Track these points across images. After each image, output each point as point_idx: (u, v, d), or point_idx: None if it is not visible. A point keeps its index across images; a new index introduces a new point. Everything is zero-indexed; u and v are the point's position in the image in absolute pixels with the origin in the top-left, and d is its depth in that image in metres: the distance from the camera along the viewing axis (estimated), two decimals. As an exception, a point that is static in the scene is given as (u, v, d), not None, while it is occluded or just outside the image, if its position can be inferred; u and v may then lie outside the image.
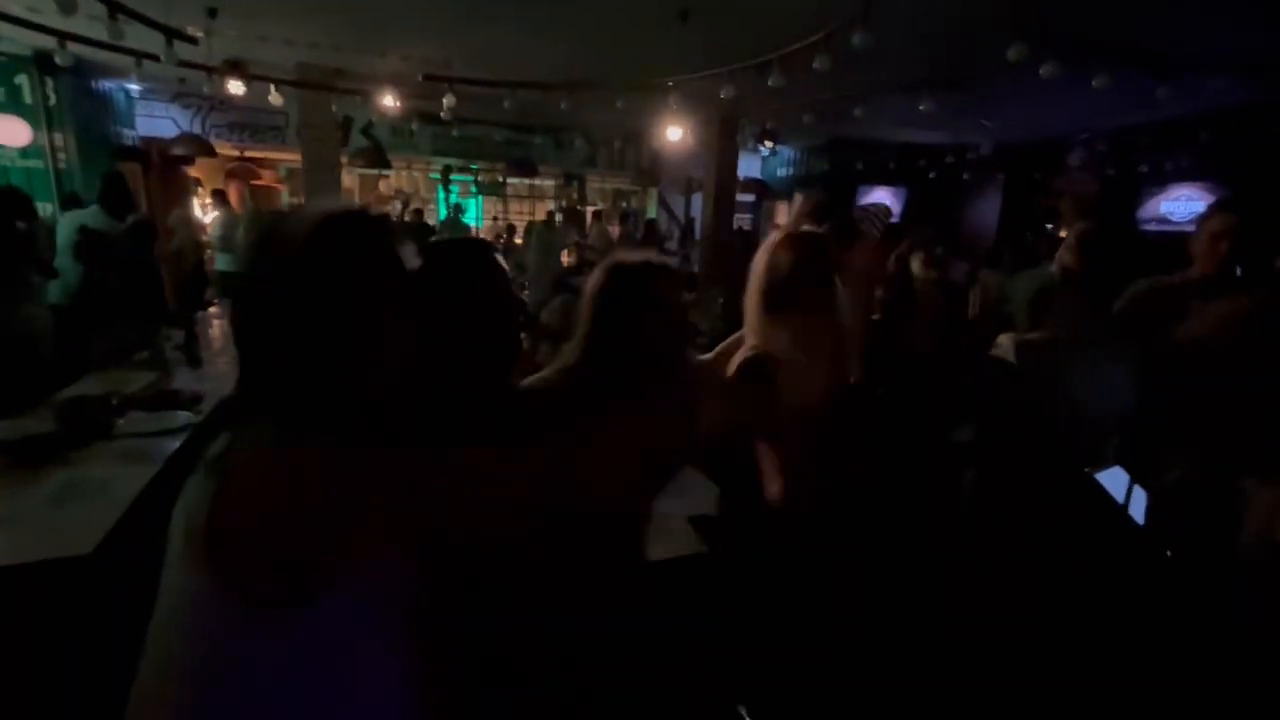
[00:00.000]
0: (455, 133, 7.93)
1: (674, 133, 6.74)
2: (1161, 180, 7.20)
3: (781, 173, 10.17)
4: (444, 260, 1.09)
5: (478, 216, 10.12)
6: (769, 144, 7.51)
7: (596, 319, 1.30)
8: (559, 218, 8.39)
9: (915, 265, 2.33)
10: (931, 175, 8.40)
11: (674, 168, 9.57)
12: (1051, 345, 1.76)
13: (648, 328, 1.29)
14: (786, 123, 6.76)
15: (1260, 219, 2.02)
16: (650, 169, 9.89)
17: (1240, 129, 5.74)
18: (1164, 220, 7.33)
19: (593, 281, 1.33)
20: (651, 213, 10.37)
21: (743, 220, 9.89)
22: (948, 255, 2.25)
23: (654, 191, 10.52)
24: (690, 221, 9.93)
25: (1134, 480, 1.69)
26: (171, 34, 3.84)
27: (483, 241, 1.27)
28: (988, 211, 9.22)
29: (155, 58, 4.12)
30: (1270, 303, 1.87)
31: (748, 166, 9.97)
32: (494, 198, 10.09)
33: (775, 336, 1.52)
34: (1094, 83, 3.94)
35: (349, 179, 8.49)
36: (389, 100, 5.34)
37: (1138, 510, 1.69)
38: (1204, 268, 2.00)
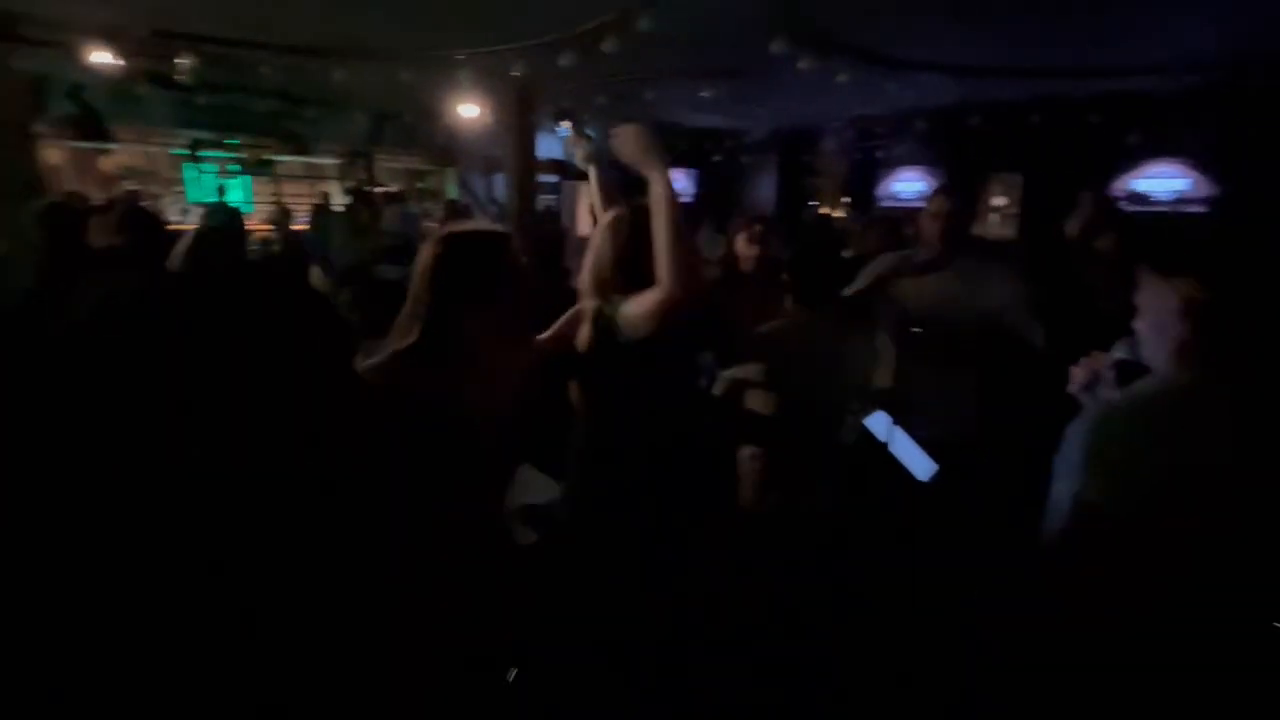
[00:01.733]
0: (202, 100, 6.73)
1: (468, 109, 6.44)
2: (892, 164, 8.60)
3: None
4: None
5: (248, 199, 8.75)
6: (567, 124, 7.52)
7: (437, 293, 1.22)
8: (344, 199, 7.60)
9: (739, 243, 2.50)
10: (717, 158, 9.09)
11: (472, 146, 9.17)
12: (788, 324, 2.00)
13: (493, 299, 1.24)
14: (582, 103, 6.82)
15: (966, 198, 2.47)
16: (446, 147, 9.36)
17: (948, 121, 7.04)
18: (895, 198, 8.79)
19: (427, 255, 1.25)
20: (452, 194, 9.85)
21: (548, 201, 9.84)
22: (767, 231, 2.41)
23: (452, 171, 9.99)
24: (497, 204, 9.63)
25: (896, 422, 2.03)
26: None
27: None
28: (767, 191, 10.25)
29: None
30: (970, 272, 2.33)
31: (549, 147, 9.90)
32: (263, 178, 8.77)
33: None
34: (839, 78, 4.55)
35: (56, 154, 6.80)
36: (101, 57, 4.35)
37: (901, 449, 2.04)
38: (927, 242, 2.40)
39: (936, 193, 2.41)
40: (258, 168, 8.54)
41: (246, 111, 7.21)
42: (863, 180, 8.96)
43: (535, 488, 1.95)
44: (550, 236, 8.46)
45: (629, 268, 1.47)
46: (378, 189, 8.79)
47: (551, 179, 10.00)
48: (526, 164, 7.56)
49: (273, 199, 8.39)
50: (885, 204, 8.83)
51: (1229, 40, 4.50)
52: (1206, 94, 5.12)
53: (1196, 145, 6.37)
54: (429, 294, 1.23)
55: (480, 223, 1.40)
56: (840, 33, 4.34)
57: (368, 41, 4.65)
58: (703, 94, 5.36)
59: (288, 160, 8.64)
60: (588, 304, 1.55)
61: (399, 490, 0.99)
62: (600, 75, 5.71)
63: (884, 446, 1.97)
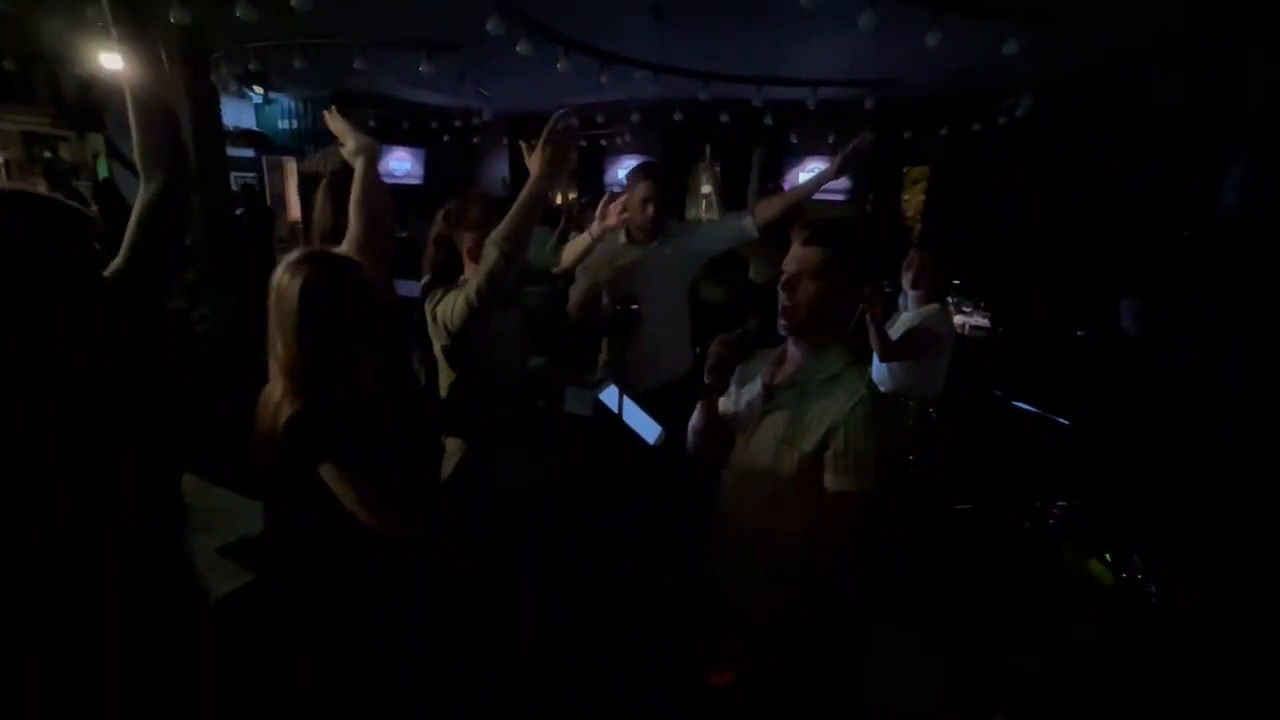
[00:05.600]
0: None
1: (111, 60, 5.13)
2: (616, 151, 9.19)
3: (284, 125, 8.94)
4: None
5: None
6: (259, 89, 6.47)
7: (308, 323, 1.17)
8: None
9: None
10: (445, 138, 8.70)
11: (125, 107, 7.31)
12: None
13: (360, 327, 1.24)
14: (276, 66, 5.91)
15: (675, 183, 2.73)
16: (84, 106, 7.32)
17: (658, 115, 7.73)
18: (622, 184, 9.42)
19: (288, 280, 1.18)
20: (102, 168, 7.78)
21: (244, 179, 8.38)
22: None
23: (98, 139, 7.86)
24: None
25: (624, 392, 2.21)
26: None
27: None
28: (498, 174, 10.15)
29: None
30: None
31: (239, 115, 8.42)
32: None
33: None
34: (558, 65, 4.68)
35: None
36: None
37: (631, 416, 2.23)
38: (633, 221, 2.42)
39: (641, 175, 2.44)
40: None
41: None
42: (592, 166, 9.41)
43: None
44: (255, 219, 7.26)
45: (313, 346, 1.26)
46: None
47: (245, 153, 8.54)
48: (211, 134, 6.33)
49: None
50: (614, 189, 9.41)
51: (854, 68, 5.76)
52: (841, 106, 6.48)
53: (836, 146, 8.06)
54: (298, 325, 1.16)
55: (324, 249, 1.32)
56: (551, 20, 4.45)
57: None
58: (421, 68, 5.04)
59: None
60: None
61: None
62: (297, 34, 5.03)
63: (617, 417, 2.12)
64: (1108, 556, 2.35)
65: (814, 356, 1.33)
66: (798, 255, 1.30)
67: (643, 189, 2.39)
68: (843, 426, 1.22)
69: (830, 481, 1.23)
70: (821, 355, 1.32)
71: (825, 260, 1.27)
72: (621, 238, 2.48)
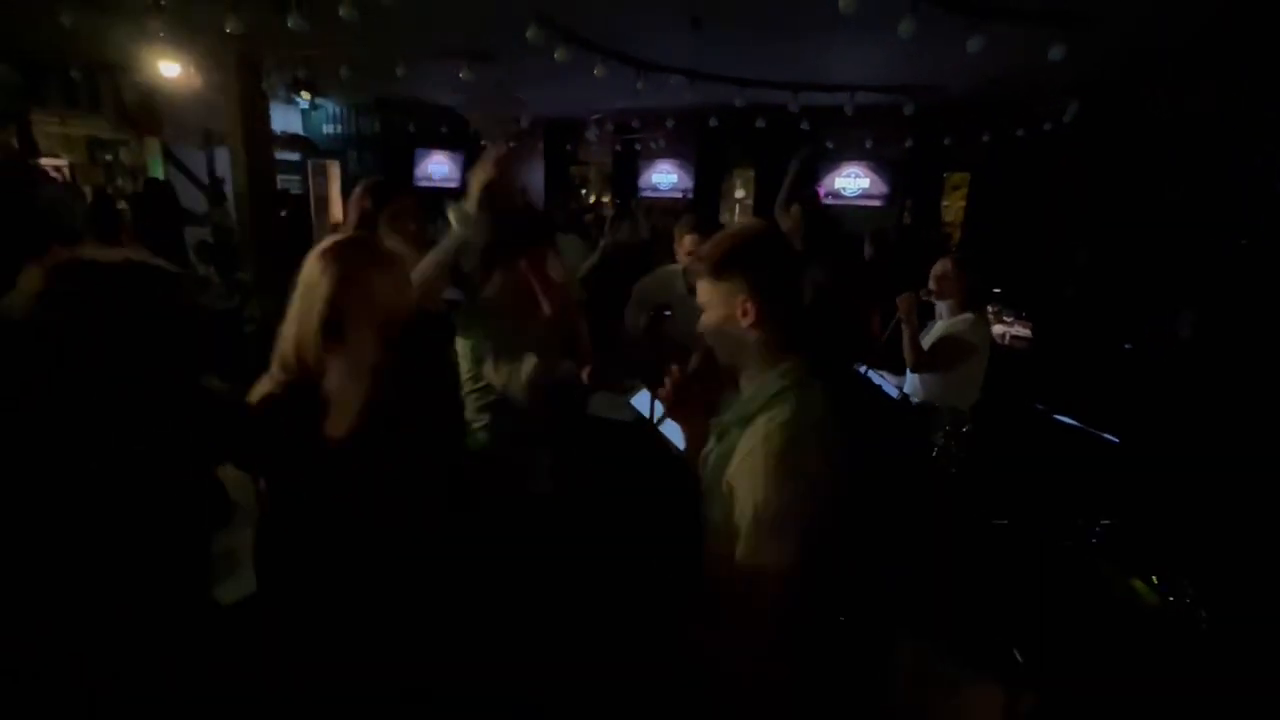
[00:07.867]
0: None
1: (170, 68, 5.39)
2: (650, 156, 9.22)
3: (328, 129, 9.21)
4: None
5: None
6: (306, 96, 6.69)
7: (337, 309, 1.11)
8: None
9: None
10: (482, 143, 8.85)
11: (181, 114, 7.64)
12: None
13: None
14: (323, 74, 6.10)
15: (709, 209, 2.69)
16: (143, 113, 7.66)
17: (693, 121, 7.73)
18: (655, 189, 9.45)
19: (319, 264, 1.14)
20: (156, 170, 8.13)
21: (289, 182, 8.66)
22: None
23: (154, 143, 8.22)
24: (217, 183, 8.17)
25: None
26: None
27: None
28: (535, 178, 10.28)
29: None
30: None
31: (286, 120, 8.69)
32: None
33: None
34: (595, 71, 4.72)
35: None
36: None
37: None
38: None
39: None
40: None
41: None
42: (625, 171, 9.47)
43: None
44: (296, 223, 7.50)
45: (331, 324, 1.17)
46: (44, 160, 6.87)
47: (291, 156, 8.82)
48: (260, 139, 6.56)
49: None
50: (646, 194, 9.45)
51: (893, 74, 5.68)
52: (879, 111, 6.39)
53: (875, 152, 7.95)
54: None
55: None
56: (588, 29, 4.50)
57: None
58: (461, 75, 5.15)
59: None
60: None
61: None
62: (345, 44, 5.18)
63: (651, 423, 2.13)
64: (1154, 579, 2.26)
65: (748, 386, 1.07)
66: (703, 291, 1.06)
67: (689, 242, 2.41)
68: (737, 469, 0.94)
69: (734, 549, 0.94)
70: (756, 383, 1.05)
71: (734, 289, 1.02)
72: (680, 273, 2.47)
